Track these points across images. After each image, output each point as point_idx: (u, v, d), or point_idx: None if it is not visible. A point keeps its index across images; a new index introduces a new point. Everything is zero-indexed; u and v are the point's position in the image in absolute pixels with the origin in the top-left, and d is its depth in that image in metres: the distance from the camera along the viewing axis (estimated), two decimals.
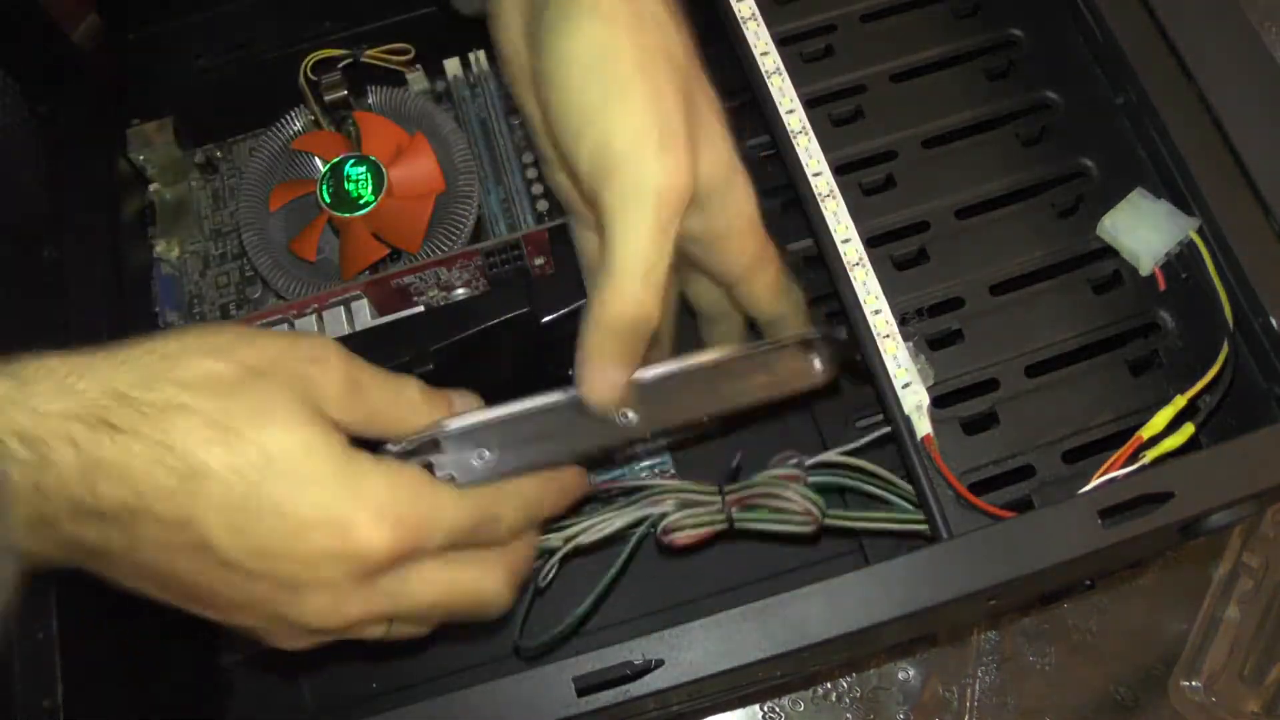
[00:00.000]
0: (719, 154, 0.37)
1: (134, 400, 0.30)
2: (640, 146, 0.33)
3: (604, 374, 0.36)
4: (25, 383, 0.29)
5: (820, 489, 0.42)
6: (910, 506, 0.40)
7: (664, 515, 0.42)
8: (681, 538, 0.41)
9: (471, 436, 0.37)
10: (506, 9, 0.39)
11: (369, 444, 0.34)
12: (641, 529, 0.42)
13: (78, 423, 0.29)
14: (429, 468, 0.36)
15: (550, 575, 0.42)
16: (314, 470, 0.31)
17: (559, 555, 0.42)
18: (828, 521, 0.41)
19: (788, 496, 0.41)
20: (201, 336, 0.32)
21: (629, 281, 0.34)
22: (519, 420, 0.37)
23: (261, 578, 0.31)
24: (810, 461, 0.42)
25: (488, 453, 0.37)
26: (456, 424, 0.37)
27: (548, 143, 0.40)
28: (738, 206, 0.38)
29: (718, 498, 0.42)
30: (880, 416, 0.40)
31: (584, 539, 0.42)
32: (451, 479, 0.36)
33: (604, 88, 0.34)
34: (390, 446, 0.36)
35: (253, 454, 0.30)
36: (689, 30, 0.37)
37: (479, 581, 0.36)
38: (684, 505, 0.42)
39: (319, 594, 0.32)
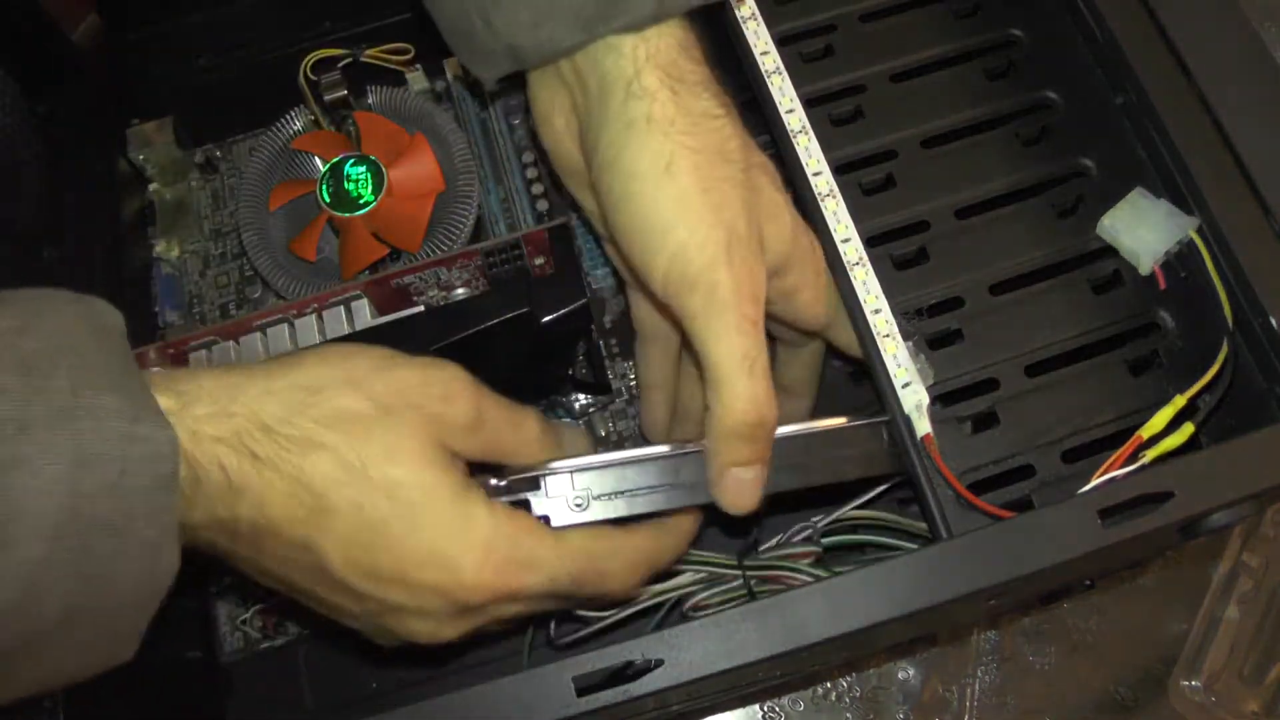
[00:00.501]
0: (783, 225, 0.38)
1: (276, 435, 0.33)
2: (714, 260, 0.35)
3: (739, 480, 0.36)
4: (187, 403, 0.32)
5: (836, 549, 0.42)
6: None
7: (687, 589, 0.43)
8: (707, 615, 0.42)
9: (572, 479, 0.37)
10: (550, 111, 0.40)
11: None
12: (665, 607, 0.43)
13: (227, 448, 0.32)
14: (525, 504, 0.37)
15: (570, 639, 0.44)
16: (429, 513, 0.34)
17: (583, 634, 0.43)
18: None
19: (801, 578, 0.41)
20: (341, 365, 0.35)
21: (738, 382, 0.35)
22: (622, 468, 0.37)
23: (370, 599, 0.35)
24: (824, 523, 0.43)
25: (588, 497, 0.37)
26: (560, 465, 0.37)
27: (602, 222, 0.41)
28: (806, 265, 0.39)
29: (738, 572, 0.42)
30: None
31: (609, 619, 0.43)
32: (546, 520, 0.37)
33: (669, 204, 0.35)
34: (493, 481, 0.37)
35: (377, 495, 0.33)
36: (735, 104, 0.38)
37: (564, 606, 0.39)
38: (705, 578, 0.43)
39: (419, 619, 0.35)
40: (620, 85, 0.36)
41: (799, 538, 0.43)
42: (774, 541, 0.44)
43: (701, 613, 0.42)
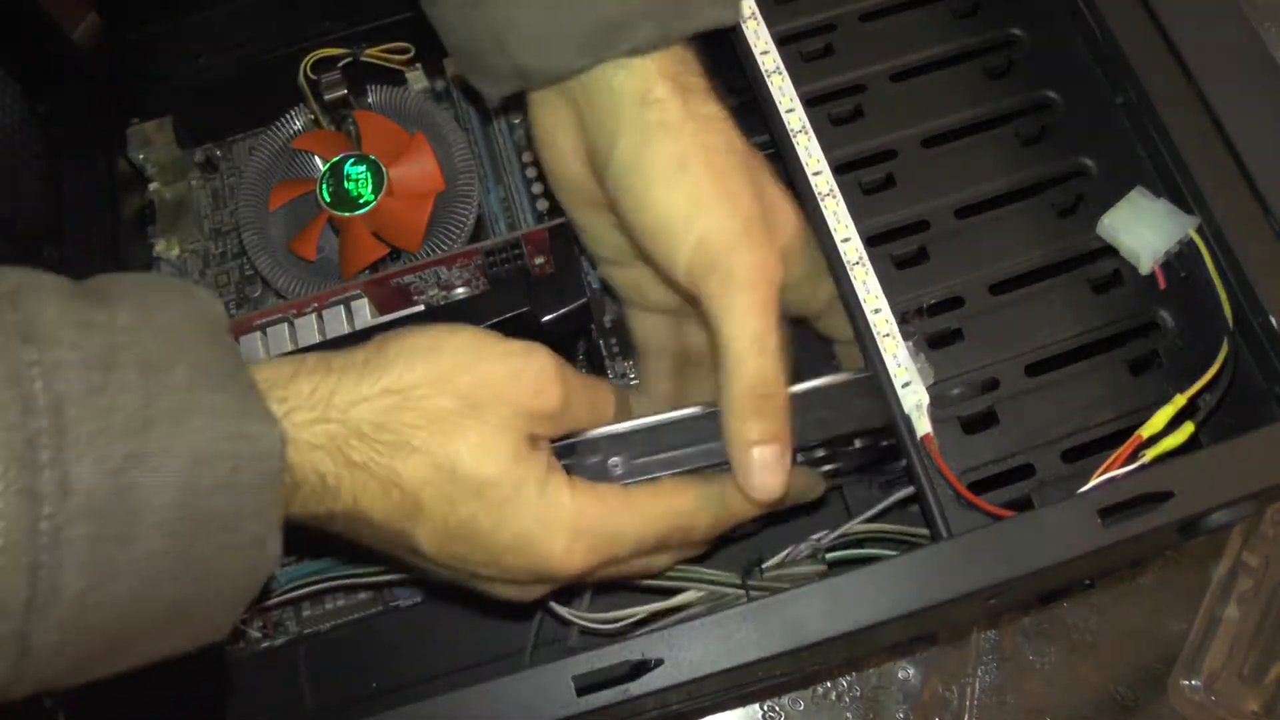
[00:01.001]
0: (788, 216, 0.40)
1: (372, 441, 0.34)
2: (732, 245, 0.37)
3: (760, 461, 0.37)
4: (290, 410, 0.33)
5: (841, 563, 0.42)
6: None
7: (689, 608, 0.43)
8: None
9: (603, 443, 0.39)
10: (554, 130, 0.42)
11: None
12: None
13: (324, 454, 0.33)
14: (567, 470, 0.37)
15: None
16: (517, 506, 0.35)
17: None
18: None
19: None
20: (429, 362, 0.35)
21: (747, 358, 0.37)
22: (652, 430, 0.39)
23: (463, 573, 0.37)
24: (829, 539, 0.43)
25: (618, 459, 0.39)
26: (593, 432, 0.39)
27: (606, 244, 0.45)
28: (807, 254, 0.41)
29: (741, 591, 0.42)
30: (903, 469, 0.40)
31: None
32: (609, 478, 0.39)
33: (688, 199, 0.37)
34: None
35: (466, 493, 0.35)
36: (730, 106, 0.40)
37: (652, 565, 0.41)
38: (706, 596, 0.43)
39: (510, 587, 0.38)
40: (633, 96, 0.38)
41: (804, 557, 0.43)
42: (778, 559, 0.43)
43: None
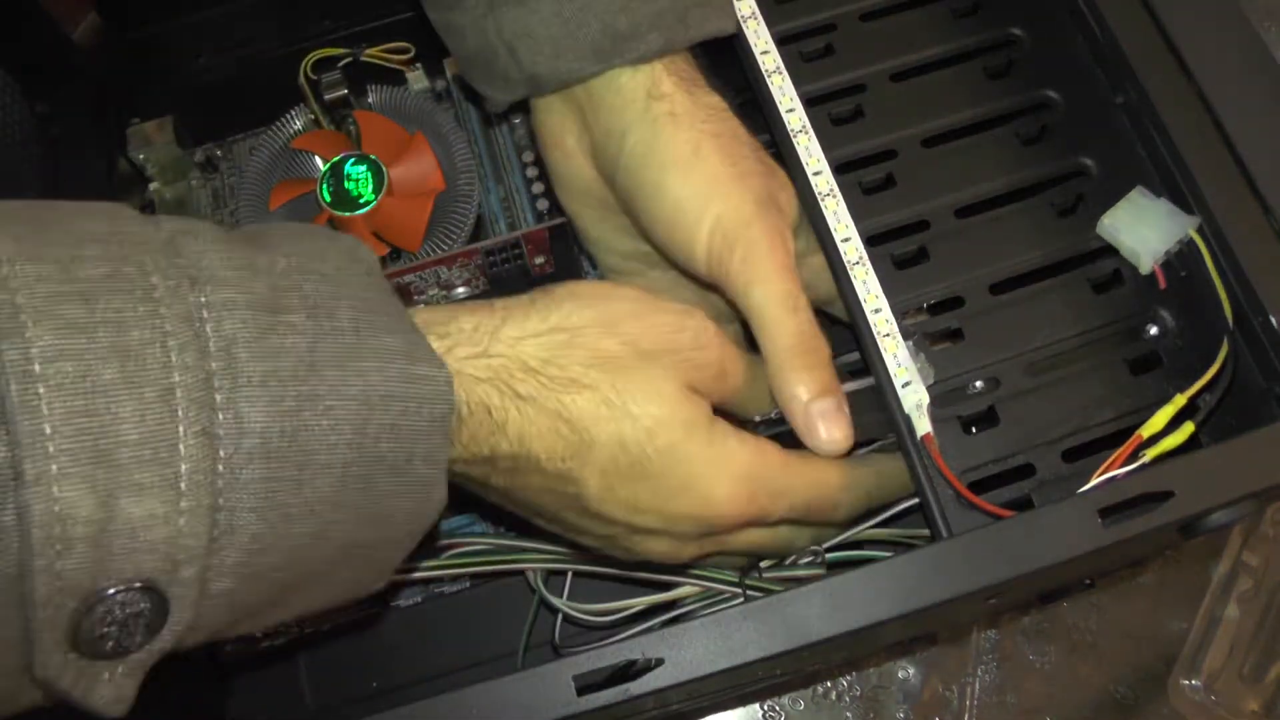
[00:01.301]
0: (792, 194, 0.41)
1: (539, 375, 0.34)
2: (749, 220, 0.38)
3: (820, 415, 0.38)
4: (450, 346, 0.33)
5: (839, 565, 0.42)
6: None
7: (686, 606, 0.43)
8: None
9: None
10: (560, 132, 0.43)
11: None
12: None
13: (490, 388, 0.33)
14: None
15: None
16: (688, 447, 0.35)
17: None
18: None
19: None
20: (598, 307, 0.36)
21: (784, 318, 0.38)
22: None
23: (621, 524, 0.36)
24: (828, 545, 0.43)
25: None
26: None
27: (615, 250, 0.46)
28: (812, 234, 0.42)
29: (739, 589, 0.42)
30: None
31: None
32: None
33: (703, 183, 0.39)
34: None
35: (638, 431, 0.34)
36: (731, 103, 0.42)
37: (794, 541, 0.41)
38: (703, 594, 0.42)
39: (664, 541, 0.37)
40: (640, 93, 0.40)
41: (804, 560, 0.43)
42: (776, 563, 0.43)
43: None
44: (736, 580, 0.42)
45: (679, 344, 0.36)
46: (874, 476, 0.41)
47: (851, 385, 0.39)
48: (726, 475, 0.36)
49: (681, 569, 0.42)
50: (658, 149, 0.39)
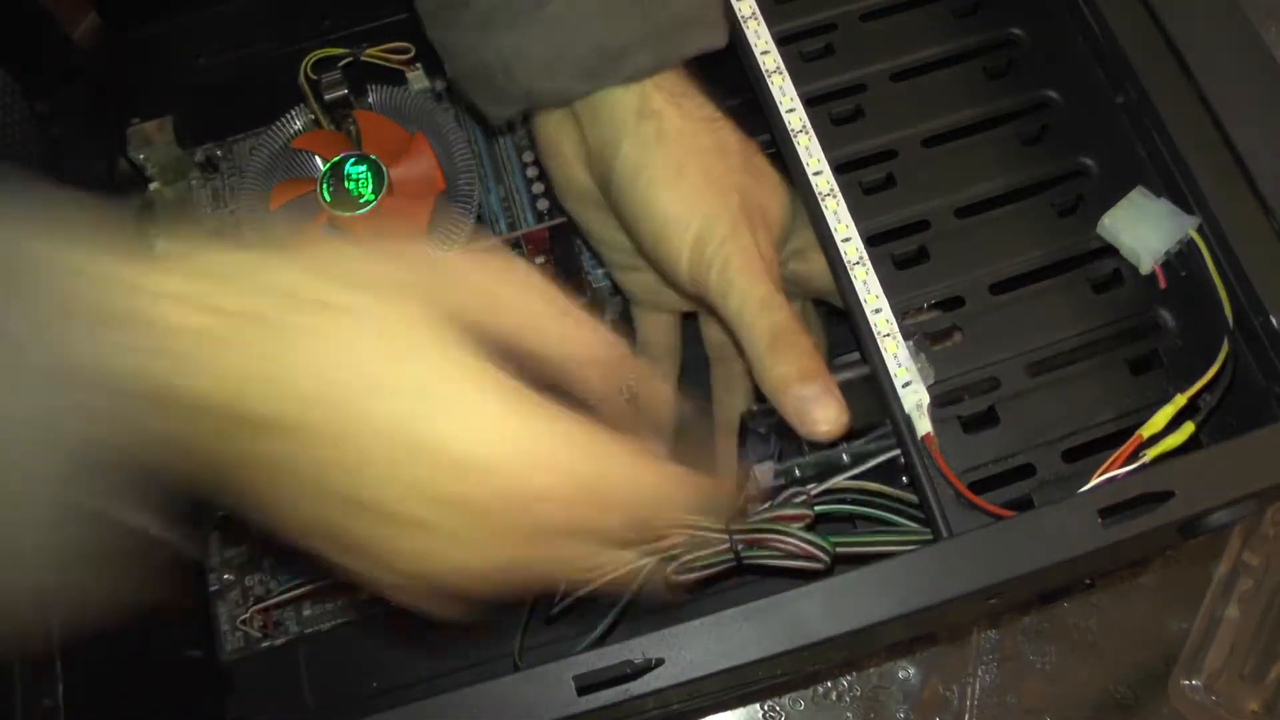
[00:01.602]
0: (783, 198, 0.42)
1: (302, 300, 0.27)
2: (724, 238, 0.39)
3: (805, 399, 0.37)
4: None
5: (828, 518, 0.42)
6: (917, 525, 0.40)
7: (672, 552, 0.42)
8: (692, 578, 0.41)
9: None
10: (558, 141, 0.44)
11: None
12: (649, 567, 0.42)
13: (242, 319, 0.27)
14: None
15: (561, 608, 0.43)
16: (482, 399, 0.30)
17: (575, 595, 0.41)
18: (839, 550, 0.41)
19: (791, 541, 0.41)
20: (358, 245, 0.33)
21: (761, 315, 0.38)
22: None
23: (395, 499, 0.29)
24: (817, 490, 0.42)
25: None
26: None
27: (617, 248, 0.46)
28: (809, 230, 0.42)
29: (725, 535, 0.42)
30: (888, 435, 0.40)
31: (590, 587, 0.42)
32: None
33: (684, 203, 0.40)
34: None
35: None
36: (728, 107, 0.42)
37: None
38: (691, 542, 0.42)
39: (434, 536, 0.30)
40: (631, 110, 0.41)
41: (794, 501, 0.42)
42: (764, 506, 0.43)
43: (688, 574, 0.40)
44: (722, 525, 0.40)
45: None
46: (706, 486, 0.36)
47: (845, 374, 0.39)
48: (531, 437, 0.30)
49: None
50: (646, 166, 0.40)
